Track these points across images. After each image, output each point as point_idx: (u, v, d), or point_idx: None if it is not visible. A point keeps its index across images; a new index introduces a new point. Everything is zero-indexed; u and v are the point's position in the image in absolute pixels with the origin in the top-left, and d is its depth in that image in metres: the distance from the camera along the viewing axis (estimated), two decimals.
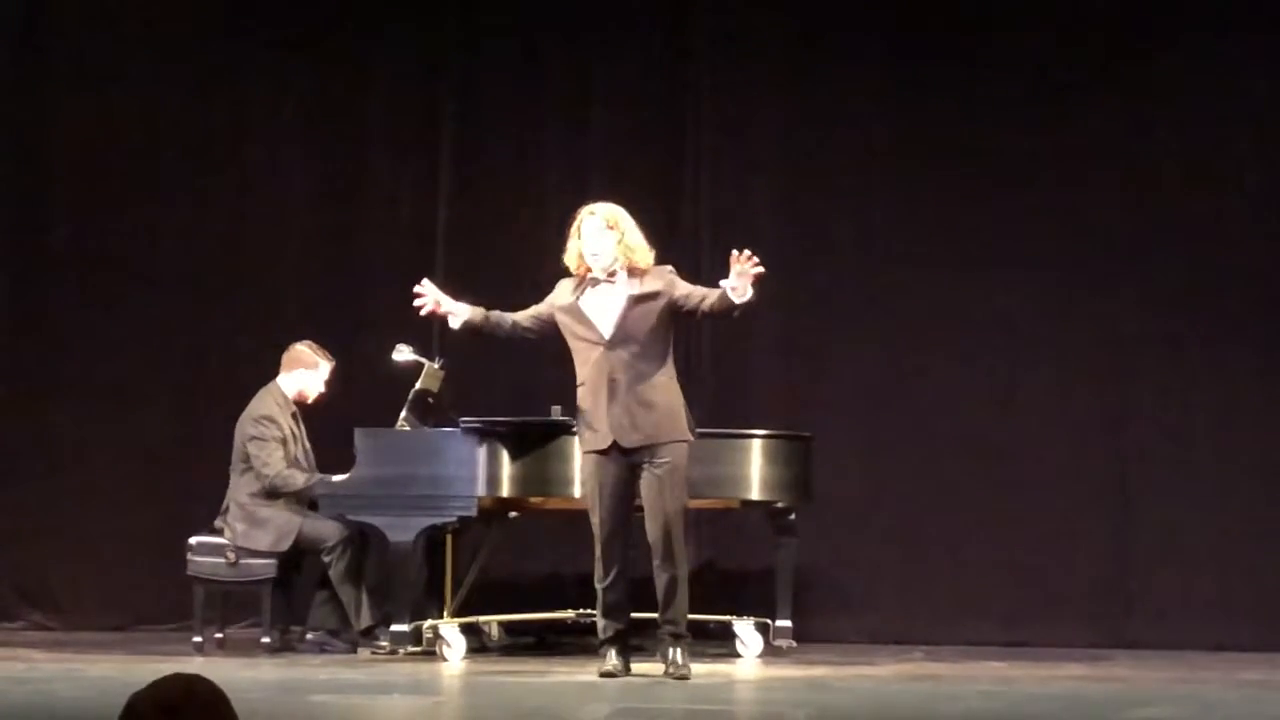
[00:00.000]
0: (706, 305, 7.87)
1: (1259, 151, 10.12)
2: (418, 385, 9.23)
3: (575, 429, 8.21)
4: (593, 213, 7.98)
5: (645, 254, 7.98)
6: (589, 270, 8.00)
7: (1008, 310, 10.28)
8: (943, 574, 10.21)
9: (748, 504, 9.36)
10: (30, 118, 10.91)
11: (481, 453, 8.78)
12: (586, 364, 7.95)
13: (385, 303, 10.77)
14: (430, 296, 8.18)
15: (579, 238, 7.99)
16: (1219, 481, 10.02)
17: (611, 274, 7.97)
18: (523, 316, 8.19)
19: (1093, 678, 8.47)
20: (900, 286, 10.38)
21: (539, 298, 10.46)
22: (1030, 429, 10.23)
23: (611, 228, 7.93)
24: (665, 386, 7.92)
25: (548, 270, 10.58)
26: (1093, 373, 10.23)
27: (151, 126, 10.82)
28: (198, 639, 9.26)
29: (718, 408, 9.47)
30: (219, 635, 9.41)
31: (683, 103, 10.68)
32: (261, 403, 9.42)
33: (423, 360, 9.32)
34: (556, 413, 8.78)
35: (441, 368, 9.33)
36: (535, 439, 8.82)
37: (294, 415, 9.47)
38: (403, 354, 9.32)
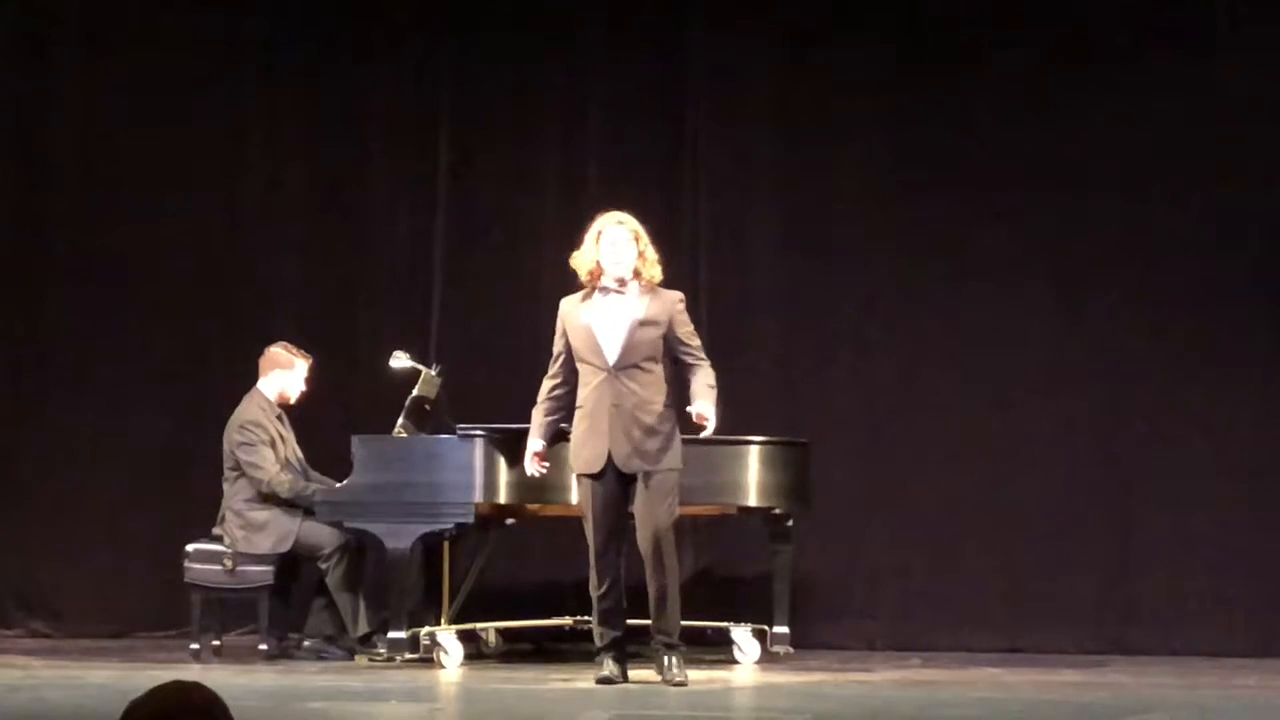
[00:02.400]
0: (687, 377, 7.99)
1: (1256, 155, 10.11)
2: (415, 392, 9.22)
3: (569, 436, 8.20)
4: (621, 222, 8.03)
5: (658, 269, 8.05)
6: (599, 278, 8.01)
7: (1004, 317, 10.28)
8: (940, 580, 10.20)
9: (745, 510, 9.35)
10: (30, 119, 10.90)
11: (478, 459, 8.78)
12: (587, 387, 7.98)
13: (383, 309, 10.80)
14: (537, 470, 8.18)
15: (598, 244, 8.01)
16: (1216, 488, 10.01)
17: (623, 283, 8.00)
18: (555, 384, 8.12)
19: (1090, 684, 8.47)
20: (898, 292, 10.38)
21: (535, 300, 10.45)
22: (1027, 436, 10.23)
23: (636, 239, 8.00)
24: (665, 415, 7.97)
25: (545, 273, 10.61)
26: (1090, 380, 10.23)
27: (150, 130, 10.81)
28: (195, 646, 9.25)
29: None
30: (216, 642, 9.40)
31: (680, 106, 10.68)
32: (245, 409, 9.42)
33: (420, 367, 9.32)
34: None
35: (438, 374, 9.33)
36: None
37: (280, 418, 9.46)
38: (400, 360, 9.33)
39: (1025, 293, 10.27)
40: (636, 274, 8.00)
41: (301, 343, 9.62)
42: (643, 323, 7.96)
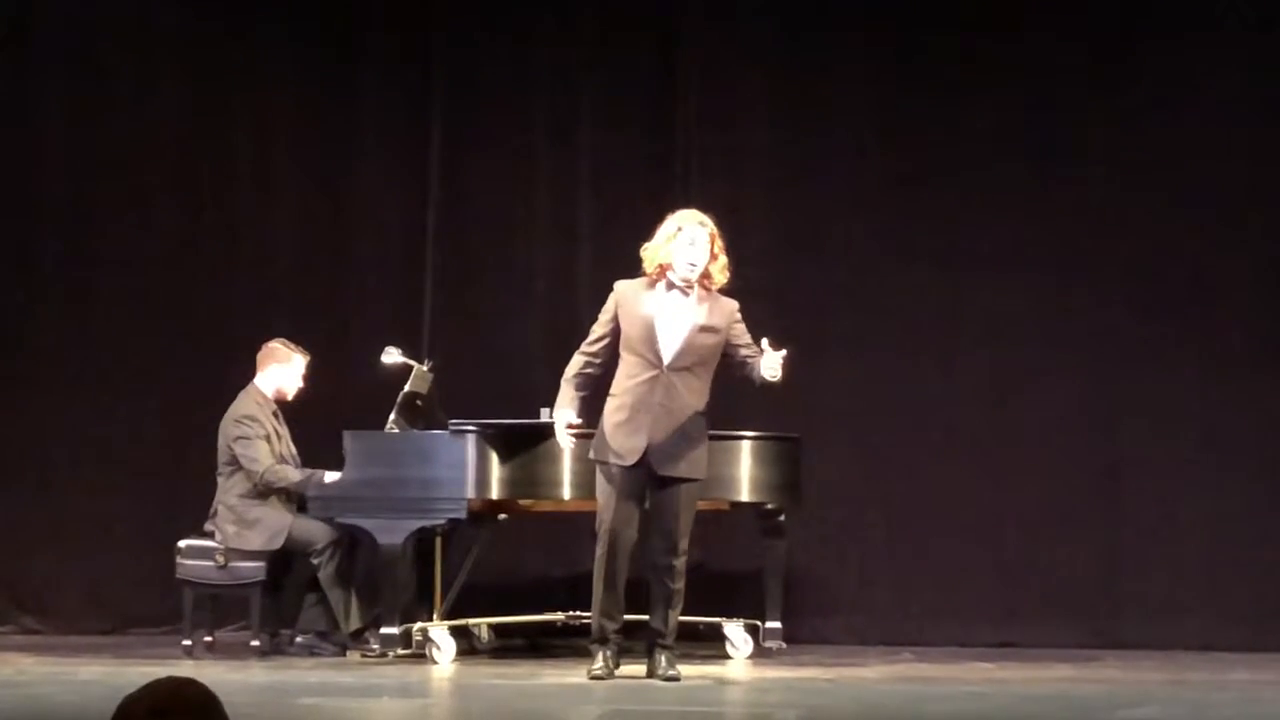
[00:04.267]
0: (744, 370, 7.96)
1: (1254, 151, 10.11)
2: (406, 387, 9.22)
3: (587, 432, 8.14)
4: (702, 223, 7.98)
5: (726, 275, 8.02)
6: (663, 273, 7.96)
7: (998, 311, 10.28)
8: (932, 575, 10.21)
9: (737, 505, 9.36)
10: (24, 118, 10.88)
11: (471, 455, 8.77)
12: (632, 380, 7.93)
13: (375, 305, 10.79)
14: (569, 442, 8.10)
15: (674, 240, 7.94)
16: (1209, 482, 10.02)
17: (689, 283, 7.95)
18: (589, 362, 8.04)
19: (1082, 679, 8.48)
20: (891, 287, 10.37)
21: (531, 296, 10.43)
22: (1020, 430, 10.22)
23: (712, 242, 7.97)
24: (703, 423, 8.00)
25: (537, 269, 10.61)
26: (1084, 375, 10.23)
27: (145, 128, 10.80)
28: (187, 642, 9.24)
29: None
30: (208, 638, 9.40)
31: (673, 102, 10.67)
32: (241, 403, 9.41)
33: (411, 362, 9.31)
34: (546, 414, 8.76)
35: (430, 370, 9.33)
36: (525, 441, 8.80)
37: (275, 414, 9.44)
38: (391, 356, 9.31)
39: (1020, 287, 10.26)
40: (703, 276, 7.97)
41: (295, 338, 9.61)
42: (703, 328, 7.94)
